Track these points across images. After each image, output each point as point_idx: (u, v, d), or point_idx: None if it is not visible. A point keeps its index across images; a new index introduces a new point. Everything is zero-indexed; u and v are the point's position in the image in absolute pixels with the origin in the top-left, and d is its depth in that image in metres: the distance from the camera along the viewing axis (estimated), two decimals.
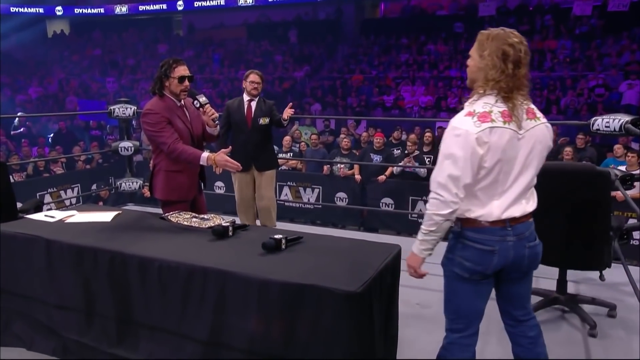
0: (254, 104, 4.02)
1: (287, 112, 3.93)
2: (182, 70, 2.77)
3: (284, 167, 7.26)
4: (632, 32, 12.03)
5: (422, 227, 1.77)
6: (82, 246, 2.30)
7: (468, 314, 1.86)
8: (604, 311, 3.03)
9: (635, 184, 5.53)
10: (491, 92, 1.71)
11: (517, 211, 1.76)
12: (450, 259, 1.84)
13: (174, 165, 2.83)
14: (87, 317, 2.35)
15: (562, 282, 3.05)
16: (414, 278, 1.88)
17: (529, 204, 1.82)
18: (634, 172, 3.85)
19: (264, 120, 3.99)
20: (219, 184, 7.20)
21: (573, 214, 2.72)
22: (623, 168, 5.51)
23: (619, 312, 3.02)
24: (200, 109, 2.81)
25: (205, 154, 2.72)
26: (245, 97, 4.03)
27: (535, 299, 2.89)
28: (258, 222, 4.19)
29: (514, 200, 1.75)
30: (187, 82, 2.79)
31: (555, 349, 2.54)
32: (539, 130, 1.76)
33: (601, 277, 3.18)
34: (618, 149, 6.12)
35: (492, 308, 1.95)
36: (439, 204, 1.71)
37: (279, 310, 1.93)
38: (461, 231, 1.80)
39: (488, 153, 1.67)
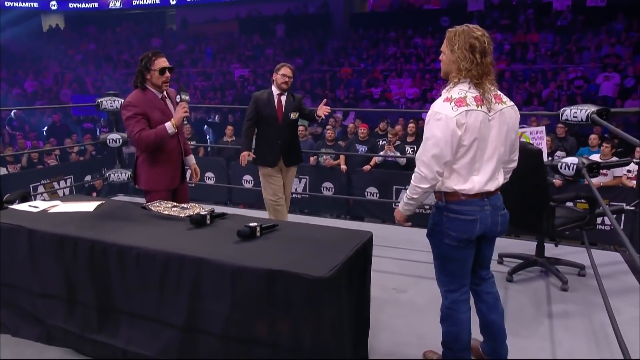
0: (284, 98, 3.77)
1: (324, 110, 3.71)
2: (162, 62, 2.77)
3: None
4: (610, 26, 12.07)
5: (407, 193, 2.03)
6: (63, 235, 2.30)
7: (461, 274, 2.10)
8: (575, 271, 3.32)
9: (608, 172, 5.62)
10: (464, 80, 1.92)
11: (492, 186, 2.00)
12: (438, 231, 2.06)
13: (155, 155, 2.83)
14: (69, 304, 2.35)
15: (540, 246, 3.33)
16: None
17: (500, 179, 2.06)
18: (601, 161, 3.89)
19: (294, 115, 3.77)
20: (209, 174, 7.19)
21: (515, 185, 2.83)
22: (597, 157, 5.56)
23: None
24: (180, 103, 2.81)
25: (168, 123, 2.77)
26: (275, 91, 3.76)
27: (517, 262, 3.37)
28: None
29: (490, 177, 1.98)
30: (167, 74, 2.79)
31: (533, 300, 2.92)
32: (506, 112, 1.98)
33: (556, 245, 3.60)
34: (594, 139, 6.15)
35: None
36: (421, 179, 1.94)
37: (252, 295, 1.93)
38: (446, 205, 2.01)
39: (466, 133, 1.88)
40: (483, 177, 1.96)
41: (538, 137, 5.20)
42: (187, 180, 3.16)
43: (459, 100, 1.88)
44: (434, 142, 1.89)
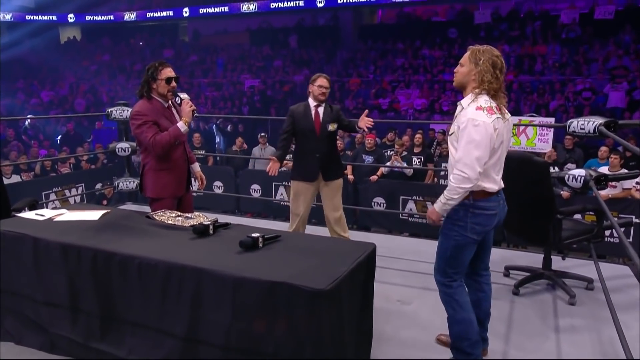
0: (321, 110, 3.55)
1: (365, 122, 3.45)
2: (168, 72, 2.78)
3: (283, 168, 7.24)
4: (618, 38, 11.95)
5: (446, 194, 2.13)
6: (67, 244, 2.28)
7: (466, 264, 2.28)
8: (583, 285, 3.22)
9: (618, 184, 5.52)
10: (483, 92, 2.11)
11: (502, 182, 2.24)
12: (461, 226, 2.18)
13: (161, 164, 2.83)
14: (73, 313, 2.32)
15: (547, 259, 3.25)
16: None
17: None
18: (609, 173, 3.81)
19: (332, 127, 3.54)
20: (218, 183, 7.18)
21: (522, 196, 2.84)
22: (606, 169, 5.47)
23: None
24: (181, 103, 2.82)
25: (180, 122, 2.77)
26: (312, 103, 3.55)
27: (523, 275, 3.31)
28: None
29: (501, 175, 2.22)
30: (174, 83, 2.80)
31: (539, 314, 2.87)
32: (509, 123, 2.21)
33: (563, 258, 3.52)
34: (604, 151, 6.06)
35: None
36: (464, 180, 2.07)
37: (253, 307, 1.90)
38: (473, 202, 2.15)
39: (498, 138, 2.09)
40: (499, 175, 2.20)
41: (544, 134, 5.11)
42: (193, 188, 3.15)
43: (489, 109, 2.08)
44: (475, 145, 2.04)
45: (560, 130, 8.60)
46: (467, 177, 2.06)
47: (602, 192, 5.13)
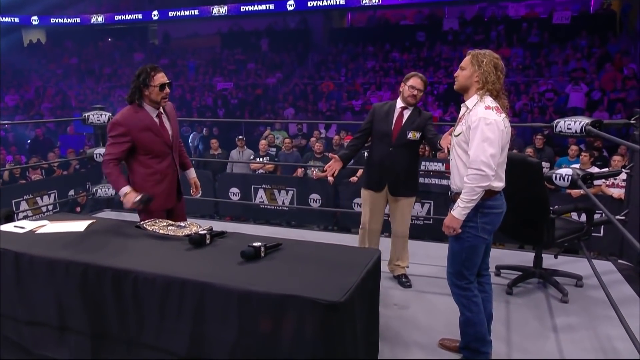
0: (406, 114, 3.06)
1: (447, 141, 2.63)
2: (161, 77, 2.56)
3: (260, 171, 7.07)
4: (575, 42, 12.34)
5: (464, 197, 2.05)
6: (53, 259, 2.07)
7: (479, 264, 2.24)
8: (572, 282, 3.21)
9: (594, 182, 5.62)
10: (487, 93, 2.09)
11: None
12: (473, 227, 2.13)
13: (148, 176, 2.62)
14: (60, 332, 2.12)
15: (538, 258, 3.21)
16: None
17: None
18: (590, 171, 3.84)
19: (413, 135, 3.03)
20: (234, 190, 6.88)
21: (515, 197, 2.74)
22: (577, 166, 5.56)
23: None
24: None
25: (124, 190, 2.51)
26: (399, 104, 3.08)
27: (513, 273, 3.28)
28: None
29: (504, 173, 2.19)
30: (167, 89, 2.59)
31: (535, 313, 2.82)
32: (509, 124, 2.19)
33: (555, 256, 3.46)
34: (574, 150, 6.17)
35: None
36: (482, 178, 2.02)
37: (261, 321, 1.76)
38: (482, 202, 2.09)
39: (506, 136, 2.09)
40: (504, 173, 2.16)
41: None
42: (190, 194, 2.98)
43: (496, 108, 2.07)
44: (490, 143, 2.01)
45: (527, 130, 8.87)
46: (485, 175, 2.01)
47: (574, 191, 5.20)
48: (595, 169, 5.48)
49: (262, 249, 2.06)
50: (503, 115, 2.08)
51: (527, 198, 2.79)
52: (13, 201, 5.80)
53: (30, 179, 7.04)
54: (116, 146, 2.54)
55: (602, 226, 5.00)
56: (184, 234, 2.33)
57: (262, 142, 7.31)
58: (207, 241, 2.22)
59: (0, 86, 15.40)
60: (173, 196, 2.74)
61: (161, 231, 2.38)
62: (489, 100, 2.09)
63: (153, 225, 2.45)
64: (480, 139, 2.02)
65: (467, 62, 2.15)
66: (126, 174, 2.66)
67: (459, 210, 2.09)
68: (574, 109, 10.20)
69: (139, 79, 2.52)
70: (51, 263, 2.07)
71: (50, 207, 6.25)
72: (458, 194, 2.12)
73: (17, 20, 18.29)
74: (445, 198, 4.93)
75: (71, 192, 6.65)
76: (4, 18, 17.84)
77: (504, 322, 2.70)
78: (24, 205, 5.90)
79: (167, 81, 2.58)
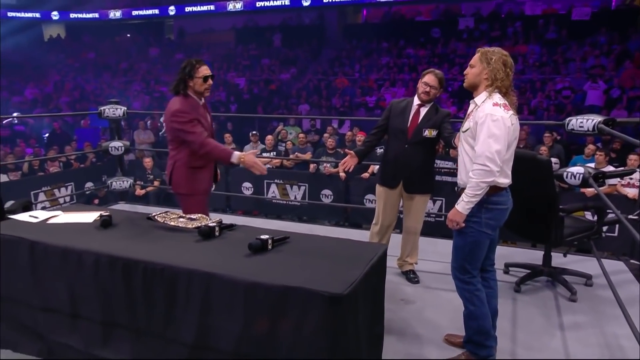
0: (423, 111, 3.05)
1: None
2: (205, 70, 2.71)
3: (268, 166, 7.12)
4: (594, 38, 12.11)
5: (469, 192, 2.08)
6: (67, 248, 2.13)
7: (482, 259, 2.26)
8: (582, 281, 3.19)
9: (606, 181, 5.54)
10: (496, 90, 2.10)
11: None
12: (476, 222, 2.14)
13: (196, 161, 2.74)
14: (72, 319, 2.18)
15: (547, 256, 3.19)
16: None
17: None
18: (604, 170, 3.79)
19: (429, 133, 3.02)
20: (247, 184, 6.96)
21: (524, 194, 2.73)
22: (592, 165, 5.48)
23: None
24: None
25: (237, 153, 2.64)
26: (415, 101, 3.07)
27: (522, 271, 3.26)
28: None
29: (510, 170, 2.19)
30: (210, 81, 2.73)
31: (542, 311, 2.82)
32: (517, 121, 2.19)
33: (564, 255, 3.42)
34: (591, 149, 6.09)
35: None
36: (487, 173, 2.03)
37: (266, 312, 1.79)
38: (487, 198, 2.11)
39: (513, 133, 2.10)
40: (510, 170, 2.17)
41: None
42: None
43: (504, 105, 2.08)
44: (495, 139, 2.03)
45: (541, 128, 8.75)
46: (490, 170, 2.03)
47: (589, 190, 5.13)
48: (610, 169, 5.40)
49: (270, 241, 2.09)
50: (511, 112, 2.09)
51: (536, 195, 2.77)
52: (32, 192, 5.95)
53: (49, 171, 7.20)
54: (197, 126, 2.65)
55: (617, 226, 4.94)
56: (193, 226, 2.37)
57: (269, 137, 7.37)
58: (216, 233, 2.26)
59: (21, 80, 15.74)
60: (212, 180, 2.92)
61: (172, 223, 2.43)
62: (497, 97, 2.10)
63: (164, 217, 2.50)
64: (486, 135, 2.04)
65: (476, 59, 2.17)
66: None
67: (463, 205, 2.11)
68: (591, 107, 10.04)
69: (184, 71, 2.65)
70: (65, 252, 2.13)
71: (67, 199, 6.39)
72: (464, 189, 2.12)
73: (38, 15, 18.61)
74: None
75: (88, 184, 6.79)
76: (25, 14, 18.18)
77: (510, 319, 2.70)
78: (42, 197, 6.05)
79: (210, 74, 2.71)
